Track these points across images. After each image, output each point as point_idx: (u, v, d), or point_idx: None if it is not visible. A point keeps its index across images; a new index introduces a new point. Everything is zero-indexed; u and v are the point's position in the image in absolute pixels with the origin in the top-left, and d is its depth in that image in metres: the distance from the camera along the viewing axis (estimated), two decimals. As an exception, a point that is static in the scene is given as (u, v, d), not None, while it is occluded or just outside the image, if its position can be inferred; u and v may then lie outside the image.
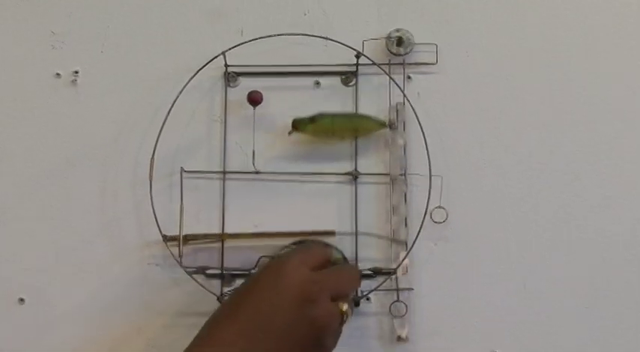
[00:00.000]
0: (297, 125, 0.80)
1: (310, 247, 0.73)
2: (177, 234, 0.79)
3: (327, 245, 0.74)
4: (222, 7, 0.85)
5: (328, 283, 0.68)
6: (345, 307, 0.68)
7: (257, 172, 0.81)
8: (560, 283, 0.80)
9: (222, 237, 0.81)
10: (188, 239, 0.79)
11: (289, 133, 0.80)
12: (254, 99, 0.80)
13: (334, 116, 0.81)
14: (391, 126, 0.81)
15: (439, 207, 0.80)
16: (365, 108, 0.82)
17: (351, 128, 0.81)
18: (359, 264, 0.79)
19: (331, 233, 0.79)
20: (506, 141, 0.82)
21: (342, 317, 0.68)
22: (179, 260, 0.78)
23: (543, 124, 0.82)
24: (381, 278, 0.79)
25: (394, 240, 0.79)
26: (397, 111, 0.81)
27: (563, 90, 0.83)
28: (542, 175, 0.82)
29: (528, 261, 0.80)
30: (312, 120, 0.80)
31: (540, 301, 0.80)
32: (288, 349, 0.65)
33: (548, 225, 0.81)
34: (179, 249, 0.78)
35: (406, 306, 0.79)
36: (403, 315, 0.79)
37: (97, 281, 0.81)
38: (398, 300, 0.79)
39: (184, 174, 0.81)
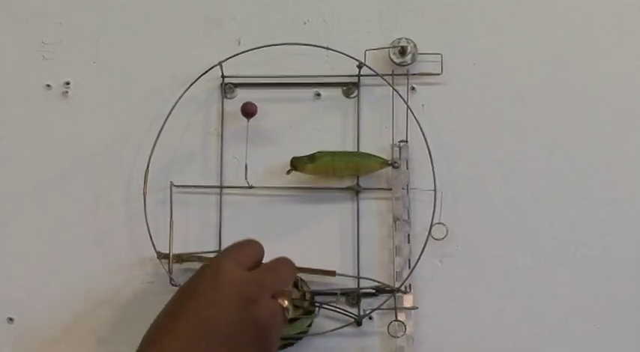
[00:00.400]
0: (296, 164, 0.79)
1: (242, 245, 0.71)
2: (174, 252, 0.77)
3: (257, 242, 0.73)
4: (219, 16, 0.83)
5: (267, 281, 0.67)
6: (285, 303, 0.68)
7: (251, 187, 0.80)
8: (567, 301, 0.79)
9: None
10: (182, 258, 0.78)
11: (287, 172, 0.79)
12: (248, 111, 0.79)
13: (334, 154, 0.80)
14: (394, 164, 0.80)
15: (439, 223, 0.79)
16: (367, 121, 0.81)
17: (352, 167, 0.80)
18: (361, 282, 0.79)
19: (331, 273, 0.78)
20: (514, 155, 0.81)
21: (284, 313, 0.68)
22: (170, 277, 0.77)
23: (554, 139, 0.81)
24: (383, 297, 0.78)
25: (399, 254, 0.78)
26: (400, 149, 0.80)
27: (575, 104, 0.81)
28: (551, 191, 0.80)
29: (535, 279, 0.79)
30: (312, 159, 0.79)
31: (548, 319, 0.79)
32: None
33: (555, 242, 0.79)
34: (169, 266, 0.77)
35: (405, 326, 0.77)
36: (401, 335, 0.77)
37: (89, 299, 0.80)
38: (396, 320, 0.77)
39: (176, 189, 0.80)
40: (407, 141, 0.80)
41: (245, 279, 0.67)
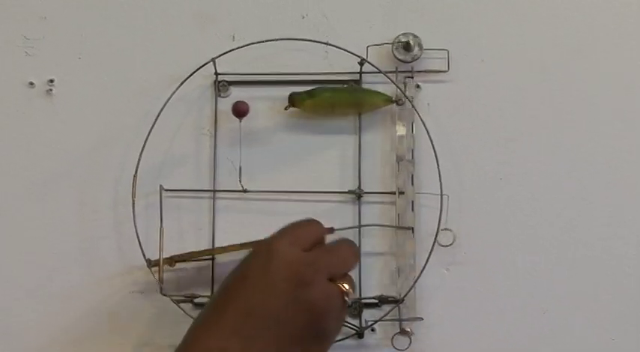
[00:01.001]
0: (294, 100, 0.78)
1: (300, 225, 0.69)
2: (164, 257, 0.76)
3: (317, 222, 0.71)
4: (212, 10, 0.82)
5: (323, 263, 0.65)
6: (346, 286, 0.66)
7: (245, 191, 0.78)
8: (582, 310, 0.78)
9: (212, 253, 0.78)
10: (175, 260, 0.76)
11: (286, 108, 0.78)
12: (239, 110, 0.77)
13: (335, 90, 0.79)
14: (398, 102, 0.79)
15: (446, 229, 0.77)
16: (369, 122, 0.80)
17: (353, 103, 0.79)
18: (363, 292, 0.77)
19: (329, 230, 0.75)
20: (526, 157, 0.80)
21: (344, 298, 0.66)
22: (160, 286, 0.75)
23: (569, 140, 0.80)
24: (387, 307, 0.76)
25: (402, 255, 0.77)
26: (405, 85, 0.79)
27: (589, 104, 0.80)
28: (567, 197, 0.79)
29: (548, 287, 0.78)
30: (311, 94, 0.78)
31: (562, 330, 0.77)
32: (287, 340, 0.63)
33: (571, 250, 0.78)
34: (159, 274, 0.75)
35: (410, 338, 0.76)
36: (406, 348, 0.76)
37: (74, 310, 0.79)
38: (401, 332, 0.76)
39: (166, 193, 0.78)
40: (412, 78, 0.80)
41: (299, 260, 0.64)
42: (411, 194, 0.78)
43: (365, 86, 0.80)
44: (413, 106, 0.78)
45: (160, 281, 0.75)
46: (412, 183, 0.78)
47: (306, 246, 0.66)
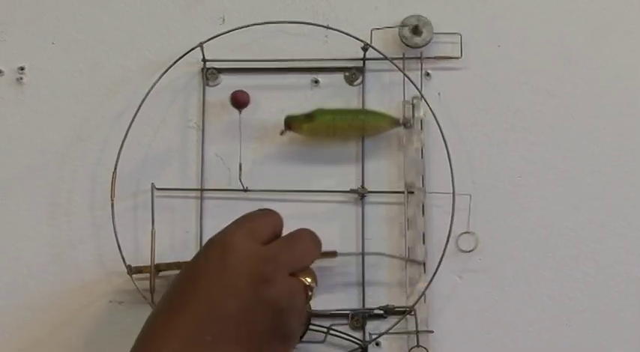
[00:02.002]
0: (291, 123, 0.76)
1: (256, 216, 0.67)
2: (145, 264, 0.74)
3: (274, 212, 0.69)
4: None
5: (284, 257, 0.64)
6: (308, 280, 0.65)
7: (245, 190, 0.76)
8: (610, 323, 0.75)
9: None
10: (160, 268, 0.74)
11: (281, 133, 0.76)
12: (239, 100, 0.75)
13: (336, 112, 0.77)
14: (405, 124, 0.77)
15: (467, 232, 0.75)
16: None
17: (356, 127, 0.77)
18: (367, 302, 0.75)
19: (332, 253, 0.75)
20: (548, 152, 0.78)
21: (307, 293, 0.65)
22: (150, 296, 0.73)
23: (594, 133, 0.78)
24: (393, 319, 0.74)
25: (412, 261, 0.75)
26: (413, 106, 0.77)
27: (620, 93, 0.79)
28: (590, 196, 0.77)
29: (573, 298, 0.75)
30: (310, 117, 0.76)
31: (587, 343, 0.75)
32: (249, 342, 0.61)
33: (597, 257, 0.76)
34: (150, 282, 0.73)
35: None
36: None
37: (48, 323, 0.76)
38: (418, 346, 0.74)
39: (156, 193, 0.76)
40: (421, 97, 0.77)
41: (258, 255, 0.63)
42: (421, 193, 0.76)
43: (369, 74, 0.79)
44: (422, 96, 0.77)
45: (152, 289, 0.73)
46: (422, 182, 0.76)
47: (264, 239, 0.65)
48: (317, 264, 0.71)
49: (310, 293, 0.66)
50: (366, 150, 0.79)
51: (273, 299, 0.62)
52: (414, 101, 0.78)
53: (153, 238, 0.74)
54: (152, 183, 0.76)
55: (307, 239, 0.68)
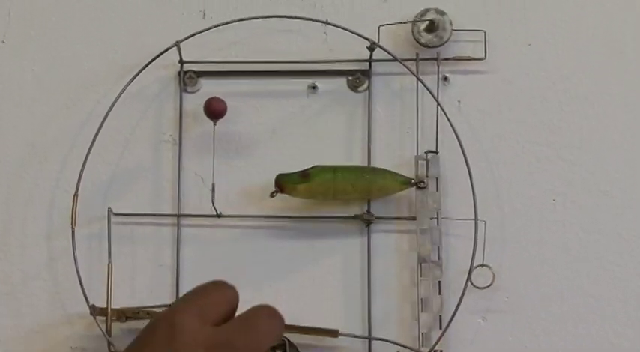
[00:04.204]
0: (284, 184, 0.72)
1: (206, 291, 0.63)
2: (113, 305, 0.71)
3: (228, 285, 0.65)
4: None
5: (241, 342, 0.59)
6: None
7: (220, 215, 0.73)
8: None
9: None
10: (126, 314, 0.71)
11: (271, 195, 0.73)
12: (214, 110, 0.73)
13: (336, 171, 0.73)
14: (419, 184, 0.73)
15: (482, 265, 0.71)
16: (382, 124, 0.75)
17: (360, 189, 0.73)
18: (373, 347, 0.71)
19: (333, 332, 0.71)
20: (587, 172, 0.75)
21: None
22: (109, 341, 0.71)
23: (631, 146, 0.74)
24: None
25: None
26: (427, 162, 0.74)
27: None
28: (628, 222, 0.73)
29: (616, 343, 0.72)
30: (305, 176, 0.72)
31: None
32: None
33: (631, 293, 0.72)
34: (107, 326, 0.70)
35: None
36: None
37: None
38: None
39: (116, 219, 0.74)
40: (437, 152, 0.74)
41: (209, 339, 0.58)
42: (436, 236, 0.73)
43: (376, 78, 0.75)
44: (439, 104, 0.73)
45: (108, 333, 0.71)
46: (438, 222, 0.74)
47: (217, 319, 0.60)
48: (317, 342, 0.71)
49: None
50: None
51: None
52: (429, 156, 0.75)
53: (110, 273, 0.72)
54: (109, 208, 0.74)
55: (266, 318, 0.62)
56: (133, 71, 0.75)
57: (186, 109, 0.77)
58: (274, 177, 0.73)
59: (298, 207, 0.76)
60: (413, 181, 0.74)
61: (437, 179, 0.75)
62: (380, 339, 0.73)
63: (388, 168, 0.75)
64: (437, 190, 0.74)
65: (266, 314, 0.63)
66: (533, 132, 0.76)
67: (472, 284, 0.72)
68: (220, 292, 0.64)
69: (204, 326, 0.60)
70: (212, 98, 0.74)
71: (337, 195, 0.74)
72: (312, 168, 0.74)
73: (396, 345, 0.73)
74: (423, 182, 0.74)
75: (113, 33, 0.78)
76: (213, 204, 0.73)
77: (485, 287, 0.72)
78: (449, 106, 0.74)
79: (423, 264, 0.74)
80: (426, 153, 0.75)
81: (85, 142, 0.74)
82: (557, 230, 0.74)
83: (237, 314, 0.64)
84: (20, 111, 0.78)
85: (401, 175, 0.74)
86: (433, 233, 0.74)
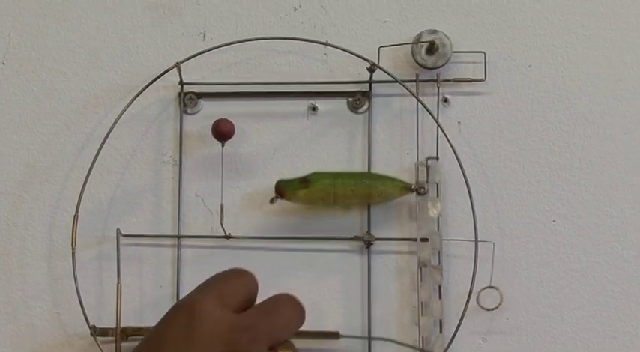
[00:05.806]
0: (284, 190, 0.73)
1: (227, 278, 0.64)
2: (112, 326, 0.72)
3: (247, 273, 0.66)
4: (177, 0, 0.80)
5: (262, 327, 0.60)
6: None
7: (227, 237, 0.74)
8: None
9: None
10: (127, 333, 0.72)
11: (271, 201, 0.74)
12: (222, 131, 0.73)
13: (336, 176, 0.73)
14: (419, 190, 0.74)
15: (490, 286, 0.72)
16: (382, 144, 0.75)
17: (360, 194, 0.73)
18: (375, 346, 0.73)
19: (334, 334, 0.72)
20: (588, 193, 0.75)
21: None
22: None
23: (631, 167, 0.75)
24: None
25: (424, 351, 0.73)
26: (427, 168, 0.75)
27: None
28: (629, 242, 0.73)
29: None
30: (305, 182, 0.73)
31: None
32: None
33: (633, 315, 0.73)
34: (116, 346, 0.71)
35: None
36: None
37: None
38: None
39: (123, 240, 0.74)
40: (437, 158, 0.75)
41: (232, 325, 0.59)
42: (437, 240, 0.73)
43: (376, 99, 0.76)
44: (439, 125, 0.74)
45: None
46: (438, 227, 0.74)
47: (237, 306, 0.61)
48: (317, 347, 0.72)
49: None
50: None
51: None
52: (429, 162, 0.75)
53: (119, 294, 0.72)
54: (117, 229, 0.74)
55: (288, 306, 0.63)
56: (134, 92, 0.76)
57: (186, 130, 0.77)
58: (275, 183, 0.75)
59: (298, 221, 0.76)
60: (413, 187, 0.75)
61: (437, 185, 0.75)
62: (380, 339, 0.73)
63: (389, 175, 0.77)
64: (437, 196, 0.75)
65: (288, 301, 0.64)
66: (534, 152, 0.76)
67: (480, 306, 0.72)
68: (239, 279, 0.64)
69: (225, 313, 0.60)
70: (220, 119, 0.74)
71: (337, 201, 0.75)
72: (312, 174, 0.75)
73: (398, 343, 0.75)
74: (424, 188, 0.75)
75: (113, 54, 0.78)
76: (222, 225, 0.73)
77: (493, 309, 0.72)
78: (449, 127, 0.75)
79: (422, 269, 0.74)
80: (427, 159, 0.76)
81: (85, 163, 0.75)
82: (557, 251, 0.74)
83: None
84: (21, 132, 0.78)
85: (401, 181, 0.75)
86: (434, 239, 0.74)
